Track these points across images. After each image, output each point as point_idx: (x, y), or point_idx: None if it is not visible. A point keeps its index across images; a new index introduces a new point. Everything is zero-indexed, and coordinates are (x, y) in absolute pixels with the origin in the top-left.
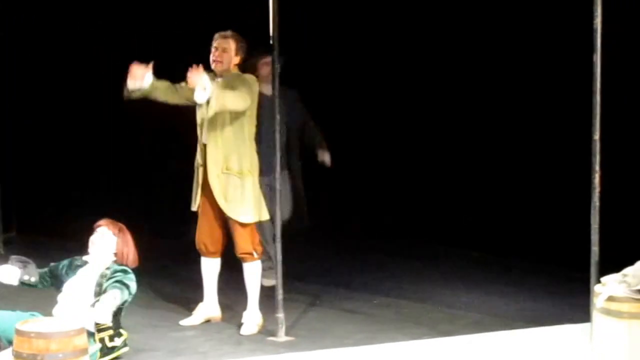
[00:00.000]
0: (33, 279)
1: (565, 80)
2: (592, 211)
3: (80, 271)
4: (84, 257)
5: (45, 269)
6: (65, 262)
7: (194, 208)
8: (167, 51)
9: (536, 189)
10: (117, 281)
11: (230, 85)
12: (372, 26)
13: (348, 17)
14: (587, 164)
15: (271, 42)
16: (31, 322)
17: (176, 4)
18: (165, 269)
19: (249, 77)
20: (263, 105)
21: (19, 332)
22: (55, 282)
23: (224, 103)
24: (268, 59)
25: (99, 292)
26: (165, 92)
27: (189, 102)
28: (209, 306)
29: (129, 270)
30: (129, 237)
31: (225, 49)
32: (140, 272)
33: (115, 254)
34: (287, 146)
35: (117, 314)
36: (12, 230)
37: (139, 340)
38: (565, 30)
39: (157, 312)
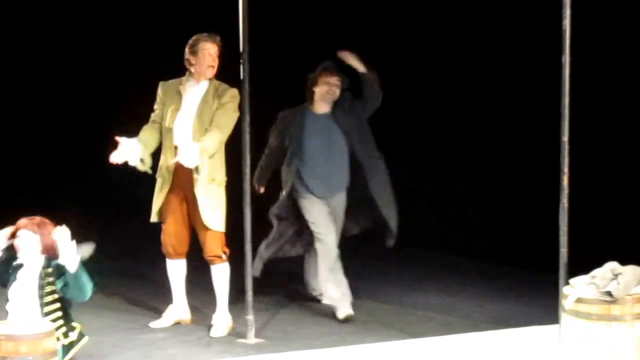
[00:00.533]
0: None
1: (533, 82)
2: (561, 213)
3: (19, 274)
4: (19, 260)
5: None
6: (3, 256)
7: (153, 219)
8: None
9: (505, 192)
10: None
11: (219, 99)
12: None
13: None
14: (556, 165)
15: (241, 44)
16: (3, 325)
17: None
18: (135, 271)
19: (234, 90)
20: (316, 123)
21: None
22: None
23: (214, 150)
24: (331, 78)
25: (43, 294)
26: (156, 140)
27: None
28: (179, 308)
29: (88, 262)
30: (49, 228)
31: (218, 54)
32: (109, 274)
33: (43, 251)
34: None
35: (66, 308)
36: None
37: (107, 343)
38: (534, 31)
39: (127, 314)
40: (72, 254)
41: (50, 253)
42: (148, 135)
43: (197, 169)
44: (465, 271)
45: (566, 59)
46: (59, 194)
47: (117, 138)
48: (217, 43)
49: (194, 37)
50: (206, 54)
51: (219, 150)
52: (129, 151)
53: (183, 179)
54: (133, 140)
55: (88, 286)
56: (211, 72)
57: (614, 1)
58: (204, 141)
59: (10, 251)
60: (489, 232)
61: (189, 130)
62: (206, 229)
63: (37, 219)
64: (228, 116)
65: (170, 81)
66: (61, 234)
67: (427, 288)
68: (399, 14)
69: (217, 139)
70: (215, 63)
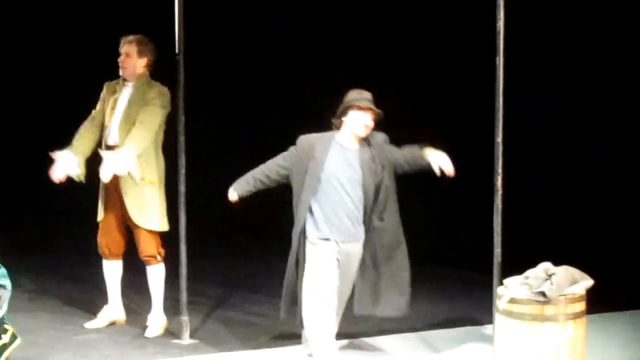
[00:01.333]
0: None
1: (468, 82)
2: (495, 213)
3: None
4: None
5: None
6: None
7: (100, 218)
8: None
9: (439, 192)
10: None
11: (143, 98)
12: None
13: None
14: (490, 166)
15: (177, 46)
16: None
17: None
18: (69, 271)
19: (162, 88)
20: (340, 156)
21: None
22: None
23: (141, 147)
24: (365, 116)
25: None
26: (91, 143)
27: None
28: (114, 309)
29: None
30: None
31: (129, 54)
32: (43, 274)
33: None
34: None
35: None
36: None
37: (42, 344)
38: (468, 32)
39: (62, 315)
40: None
41: None
42: (82, 142)
43: (129, 173)
44: None
45: (500, 60)
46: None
47: (52, 154)
48: (129, 42)
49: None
50: (121, 54)
51: (150, 150)
52: (67, 164)
53: (115, 179)
54: (68, 153)
55: (7, 288)
56: (123, 73)
57: (546, 2)
58: (126, 143)
59: None
60: (423, 233)
61: (116, 130)
62: (139, 228)
63: None
64: (152, 111)
65: (112, 82)
66: None
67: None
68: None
69: (139, 135)
70: (126, 63)
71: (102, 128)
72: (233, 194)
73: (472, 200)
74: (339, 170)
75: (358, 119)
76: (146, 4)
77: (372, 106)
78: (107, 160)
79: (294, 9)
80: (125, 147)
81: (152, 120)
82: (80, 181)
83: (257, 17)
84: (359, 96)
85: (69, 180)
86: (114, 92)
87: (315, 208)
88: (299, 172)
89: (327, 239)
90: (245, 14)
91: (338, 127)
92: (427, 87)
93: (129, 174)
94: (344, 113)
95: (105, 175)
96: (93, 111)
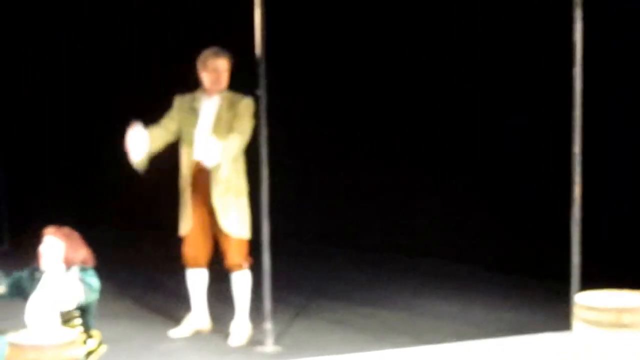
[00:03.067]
0: (1, 290)
1: (545, 93)
2: (573, 224)
3: (41, 282)
4: (42, 268)
5: (10, 279)
6: (26, 272)
7: (183, 231)
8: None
9: (516, 199)
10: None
11: (233, 109)
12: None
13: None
14: (568, 173)
15: (257, 58)
16: (24, 333)
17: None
18: (154, 280)
19: (249, 98)
20: None
21: (12, 344)
22: (19, 293)
23: (233, 154)
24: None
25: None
26: (163, 140)
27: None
28: (198, 317)
29: (88, 268)
30: (76, 240)
31: (225, 69)
32: (129, 283)
33: (65, 261)
34: None
35: (84, 315)
36: (4, 243)
37: (127, 351)
38: (545, 43)
39: (147, 323)
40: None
41: (66, 264)
42: (157, 134)
43: (217, 168)
44: (475, 279)
45: (577, 70)
46: (77, 202)
47: (133, 125)
48: (226, 58)
49: (203, 53)
50: (214, 70)
51: (239, 159)
52: (138, 143)
53: (203, 187)
54: (145, 133)
55: (94, 288)
56: (220, 88)
57: (625, 12)
58: (224, 147)
59: (35, 267)
60: (499, 241)
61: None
62: (226, 237)
63: (66, 229)
64: (246, 123)
65: (186, 96)
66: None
67: (438, 296)
68: (407, 17)
69: (237, 142)
70: (224, 78)
71: (174, 139)
72: None
73: (549, 206)
74: None
75: None
76: (223, 12)
77: None
78: (205, 147)
79: (385, 12)
80: (222, 143)
81: (248, 133)
82: (139, 170)
83: (344, 22)
84: None
85: (155, 187)
86: (191, 107)
87: None
88: None
89: None
90: (332, 18)
91: None
92: (503, 96)
93: (216, 169)
94: None
95: (209, 159)
96: (162, 120)
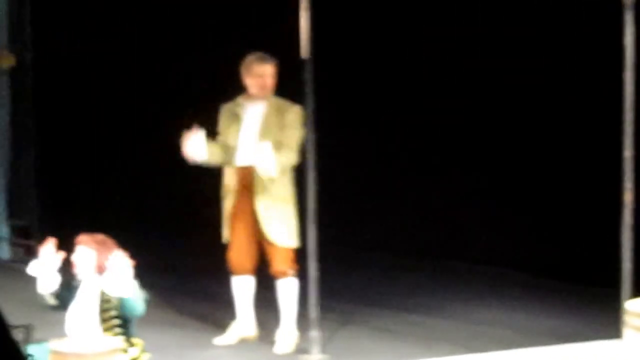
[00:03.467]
0: (54, 301)
1: (596, 96)
2: (624, 229)
3: (79, 292)
4: (79, 277)
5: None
6: (66, 281)
7: (225, 239)
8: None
9: (562, 205)
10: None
11: (281, 117)
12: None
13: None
14: (617, 180)
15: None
16: (66, 341)
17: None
18: (198, 287)
19: (297, 107)
20: None
21: (54, 352)
22: (62, 304)
23: (287, 166)
24: None
25: (106, 308)
26: (220, 157)
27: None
28: (244, 324)
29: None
30: (110, 248)
31: (272, 75)
32: (172, 290)
33: (97, 270)
34: None
35: (125, 323)
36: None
37: (171, 359)
38: (596, 46)
39: (191, 330)
40: (125, 282)
41: (102, 272)
42: (217, 150)
43: (262, 176)
44: (522, 285)
45: (629, 75)
46: (123, 208)
47: (194, 130)
48: (271, 64)
49: (247, 58)
50: (260, 76)
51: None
52: (197, 146)
53: (247, 194)
54: (203, 141)
55: (139, 302)
56: (266, 93)
57: None
58: (277, 161)
59: (71, 276)
60: (547, 246)
61: (247, 150)
62: (271, 244)
63: (99, 236)
64: (297, 135)
65: (228, 103)
66: (117, 261)
67: (486, 303)
68: (456, 19)
69: (292, 157)
70: (269, 83)
71: (224, 150)
72: None
73: (597, 212)
74: None
75: None
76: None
77: None
78: (267, 152)
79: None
80: (277, 161)
81: (298, 142)
82: (207, 164)
83: (395, 24)
84: None
85: (202, 192)
86: (234, 113)
87: None
88: None
89: None
90: (382, 19)
91: None
92: (555, 99)
93: (268, 180)
94: None
95: (265, 167)
96: (218, 137)
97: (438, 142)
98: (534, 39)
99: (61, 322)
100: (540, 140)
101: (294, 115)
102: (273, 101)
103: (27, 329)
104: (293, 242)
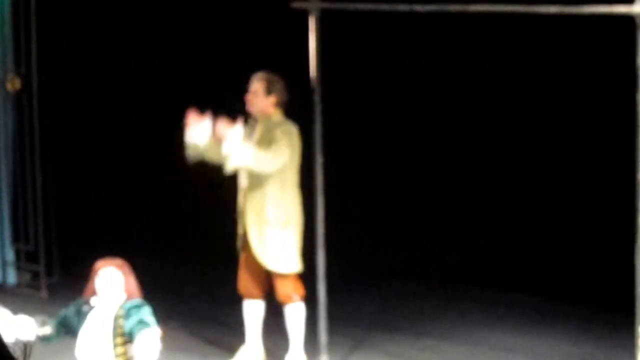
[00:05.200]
0: (49, 331)
1: (608, 119)
2: (638, 251)
3: (90, 317)
4: (91, 302)
5: (55, 319)
6: (72, 308)
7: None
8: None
9: (576, 228)
10: (139, 322)
11: (268, 136)
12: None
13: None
14: (630, 203)
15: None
16: None
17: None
18: (207, 312)
19: (289, 126)
20: None
21: None
22: (67, 331)
23: (261, 167)
24: None
25: (118, 334)
26: (216, 156)
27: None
28: (253, 350)
29: (141, 303)
30: (130, 271)
31: (255, 91)
32: (181, 314)
33: (125, 291)
34: None
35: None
36: (55, 274)
37: None
38: (608, 68)
39: (198, 355)
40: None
41: (128, 296)
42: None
43: (253, 194)
44: (537, 309)
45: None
46: (130, 232)
47: (205, 116)
48: (258, 79)
49: None
50: (248, 93)
51: (277, 190)
52: (202, 130)
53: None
54: (209, 127)
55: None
56: (253, 110)
57: None
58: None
59: (82, 301)
60: (561, 272)
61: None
62: (272, 271)
63: (118, 260)
64: (282, 147)
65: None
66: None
67: (499, 328)
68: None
69: (267, 157)
70: (253, 100)
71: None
72: None
73: (611, 237)
74: None
75: None
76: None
77: None
78: (234, 135)
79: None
80: (248, 152)
81: (281, 157)
82: (191, 157)
83: (401, 46)
84: None
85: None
86: (247, 133)
87: None
88: None
89: None
90: (389, 41)
91: None
92: (568, 121)
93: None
94: None
95: (234, 153)
96: None
97: (449, 167)
98: (546, 62)
99: (71, 349)
100: (553, 164)
101: (281, 132)
102: (269, 120)
103: (26, 346)
104: (293, 267)
